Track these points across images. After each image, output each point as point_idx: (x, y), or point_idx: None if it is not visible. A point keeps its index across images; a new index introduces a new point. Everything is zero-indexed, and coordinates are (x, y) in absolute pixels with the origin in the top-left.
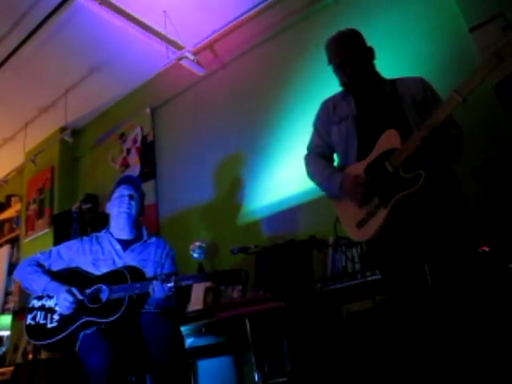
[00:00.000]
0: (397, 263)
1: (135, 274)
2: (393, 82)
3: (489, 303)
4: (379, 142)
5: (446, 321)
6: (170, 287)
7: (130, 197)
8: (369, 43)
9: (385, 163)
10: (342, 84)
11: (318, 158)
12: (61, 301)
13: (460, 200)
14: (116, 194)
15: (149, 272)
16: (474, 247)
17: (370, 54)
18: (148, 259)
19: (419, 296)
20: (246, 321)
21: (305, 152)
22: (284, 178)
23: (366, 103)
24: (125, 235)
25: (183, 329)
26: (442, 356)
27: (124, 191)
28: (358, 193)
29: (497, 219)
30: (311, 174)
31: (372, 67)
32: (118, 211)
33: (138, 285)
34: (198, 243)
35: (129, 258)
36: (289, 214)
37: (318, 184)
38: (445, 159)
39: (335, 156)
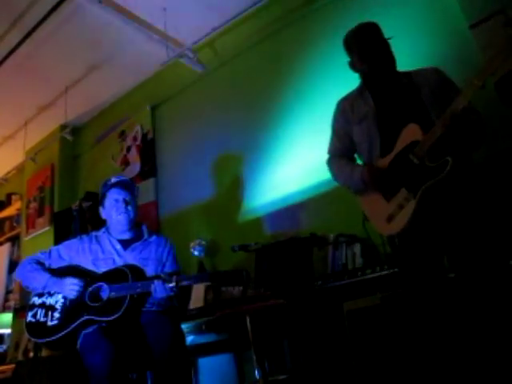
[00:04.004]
0: (420, 255)
1: (136, 272)
2: (407, 74)
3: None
4: (401, 137)
5: (455, 318)
6: (172, 287)
7: (126, 202)
8: None
9: (409, 155)
10: (362, 76)
11: (338, 158)
12: (68, 286)
13: (480, 190)
14: (108, 200)
15: (150, 271)
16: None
17: (389, 45)
18: (149, 258)
19: (436, 290)
20: (247, 318)
21: (304, 150)
22: (284, 175)
23: (384, 98)
24: (125, 236)
25: (184, 326)
26: (445, 354)
27: (117, 196)
28: (379, 180)
29: (497, 218)
30: (335, 176)
31: (392, 59)
32: (117, 218)
33: (139, 284)
34: (198, 241)
35: (129, 257)
36: (289, 212)
37: (343, 183)
38: (467, 147)
39: (357, 157)
